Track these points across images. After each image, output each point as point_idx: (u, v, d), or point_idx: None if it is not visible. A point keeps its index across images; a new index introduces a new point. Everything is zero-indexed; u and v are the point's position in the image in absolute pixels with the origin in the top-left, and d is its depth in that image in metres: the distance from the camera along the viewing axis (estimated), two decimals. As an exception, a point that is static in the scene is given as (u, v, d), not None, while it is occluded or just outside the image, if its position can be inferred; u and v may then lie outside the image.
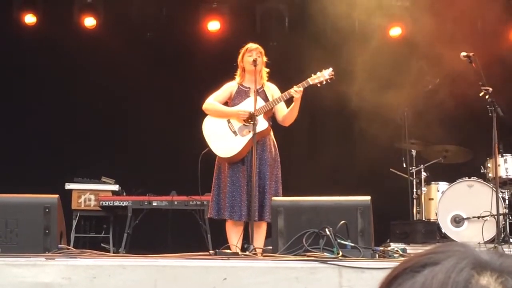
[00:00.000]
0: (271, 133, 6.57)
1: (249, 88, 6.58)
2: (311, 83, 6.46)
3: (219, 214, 6.42)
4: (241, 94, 6.59)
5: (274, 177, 6.46)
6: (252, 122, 6.29)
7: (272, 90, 6.64)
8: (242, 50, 6.60)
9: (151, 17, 9.91)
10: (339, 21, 9.75)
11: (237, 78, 6.66)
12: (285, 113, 6.56)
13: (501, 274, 0.78)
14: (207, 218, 7.44)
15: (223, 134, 6.44)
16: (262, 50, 6.59)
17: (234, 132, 6.44)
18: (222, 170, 6.47)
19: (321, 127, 9.27)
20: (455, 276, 0.77)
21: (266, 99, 6.53)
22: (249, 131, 6.32)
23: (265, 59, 6.61)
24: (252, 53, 6.51)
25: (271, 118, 6.58)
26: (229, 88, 6.64)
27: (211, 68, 8.69)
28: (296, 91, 6.35)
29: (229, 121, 6.49)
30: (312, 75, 6.53)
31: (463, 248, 0.81)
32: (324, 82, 6.51)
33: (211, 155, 6.53)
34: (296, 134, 8.89)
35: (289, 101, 6.54)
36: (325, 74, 6.50)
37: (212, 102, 6.56)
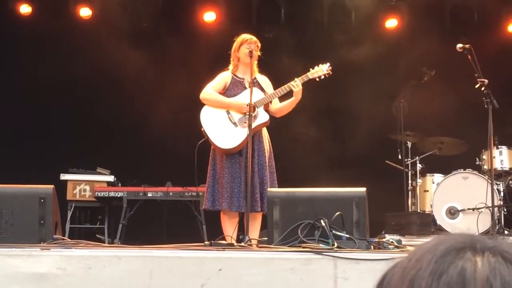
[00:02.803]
0: None
1: (243, 78, 6.58)
2: (310, 77, 6.50)
3: (214, 205, 6.41)
4: (237, 84, 6.57)
5: (271, 168, 6.48)
6: (253, 114, 6.28)
7: (265, 83, 6.64)
8: (239, 40, 6.58)
9: (147, 7, 9.89)
10: (335, 12, 9.76)
11: (231, 68, 6.64)
12: (280, 106, 6.58)
13: (493, 253, 0.90)
14: (202, 209, 7.45)
15: (223, 125, 6.42)
16: (259, 44, 6.59)
17: (234, 123, 6.42)
18: (217, 161, 6.45)
19: (317, 118, 9.25)
20: (453, 244, 0.92)
21: (261, 90, 6.53)
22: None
23: (259, 53, 6.59)
24: (250, 46, 6.50)
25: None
26: (224, 78, 6.62)
27: (207, 58, 8.68)
28: (297, 85, 6.37)
29: (228, 112, 6.47)
30: (311, 69, 6.55)
31: (467, 234, 0.95)
32: (322, 77, 6.55)
33: (207, 146, 6.52)
34: (291, 126, 8.89)
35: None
36: (323, 69, 6.56)
37: (211, 92, 6.53)
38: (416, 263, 0.92)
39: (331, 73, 6.57)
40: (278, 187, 6.35)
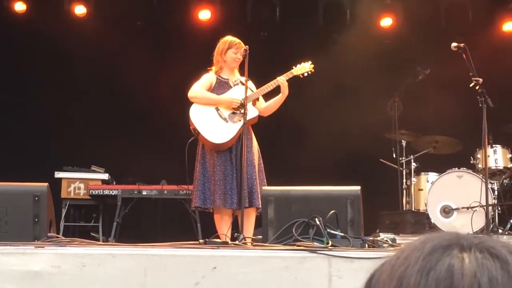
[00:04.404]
0: None
1: (228, 79, 6.60)
2: (295, 74, 6.58)
3: (205, 203, 6.39)
4: (222, 85, 6.58)
5: (259, 166, 6.49)
6: (242, 111, 6.29)
7: (249, 84, 6.65)
8: (226, 43, 6.56)
9: (142, 5, 9.88)
10: (330, 11, 9.76)
11: (214, 69, 6.64)
12: (267, 104, 6.63)
13: (479, 249, 0.92)
14: (192, 207, 7.53)
15: (214, 121, 6.43)
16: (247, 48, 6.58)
17: (225, 119, 6.44)
18: (207, 159, 6.44)
19: (311, 117, 9.26)
20: (440, 242, 0.94)
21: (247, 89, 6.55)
22: (240, 119, 6.33)
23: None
24: (238, 51, 6.50)
25: None
26: (209, 79, 6.63)
27: (201, 57, 8.66)
28: (285, 82, 6.42)
29: (217, 109, 6.49)
30: (294, 67, 6.61)
31: (453, 232, 0.97)
32: (306, 74, 6.62)
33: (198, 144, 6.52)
34: (286, 124, 8.89)
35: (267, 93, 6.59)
36: (306, 67, 6.65)
37: (200, 90, 6.54)
38: (404, 261, 0.93)
39: (313, 70, 6.65)
40: (272, 185, 6.34)
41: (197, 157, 6.51)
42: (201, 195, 6.40)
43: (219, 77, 6.60)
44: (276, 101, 6.59)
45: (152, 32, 9.91)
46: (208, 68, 6.70)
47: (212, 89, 6.57)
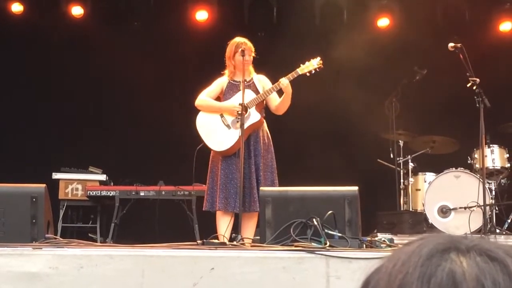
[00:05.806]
0: (264, 124, 6.59)
1: (239, 82, 6.59)
2: (300, 73, 6.50)
3: (213, 206, 6.48)
4: (232, 88, 6.60)
5: (269, 168, 6.49)
6: (245, 115, 6.29)
7: (263, 82, 6.65)
8: (233, 45, 6.56)
9: (139, 6, 9.87)
10: (327, 11, 9.76)
11: (227, 73, 6.65)
12: (278, 103, 6.59)
13: (478, 252, 0.91)
14: (194, 208, 7.59)
15: (216, 128, 6.47)
16: (253, 48, 6.58)
17: (228, 126, 6.46)
18: (215, 163, 6.52)
19: (308, 118, 9.26)
20: (437, 246, 0.92)
21: (256, 91, 6.54)
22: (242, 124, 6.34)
23: (253, 54, 6.60)
24: (244, 52, 6.50)
25: (264, 109, 6.61)
26: (220, 83, 6.66)
27: (199, 58, 8.68)
28: (285, 83, 6.39)
29: (222, 116, 6.52)
30: (301, 65, 6.56)
31: (447, 235, 0.95)
32: (313, 71, 6.56)
33: (204, 150, 6.54)
34: (283, 126, 8.89)
35: (280, 91, 6.57)
36: (313, 63, 6.56)
37: (205, 98, 6.59)
38: (401, 268, 0.90)
39: (322, 66, 6.58)
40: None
41: (209, 161, 6.57)
42: (210, 199, 6.52)
43: (231, 81, 6.63)
44: (283, 101, 6.56)
45: (149, 33, 9.90)
46: (222, 72, 6.71)
47: (223, 93, 6.61)
